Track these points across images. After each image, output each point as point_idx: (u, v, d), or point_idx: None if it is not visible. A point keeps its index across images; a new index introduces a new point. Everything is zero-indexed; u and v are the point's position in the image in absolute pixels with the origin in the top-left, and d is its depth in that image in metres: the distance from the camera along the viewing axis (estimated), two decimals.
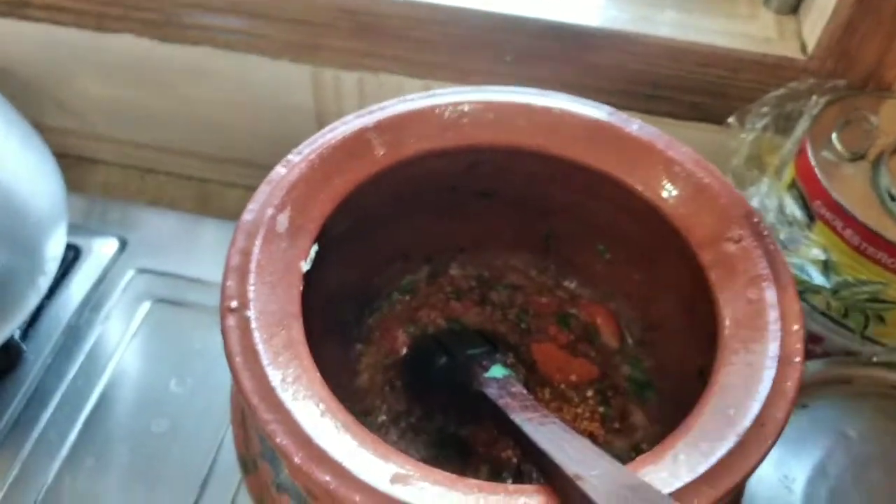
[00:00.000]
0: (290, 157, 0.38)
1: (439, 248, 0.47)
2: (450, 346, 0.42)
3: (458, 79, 0.58)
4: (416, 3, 0.55)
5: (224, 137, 0.66)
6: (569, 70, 0.57)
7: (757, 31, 0.55)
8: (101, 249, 0.58)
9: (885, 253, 0.45)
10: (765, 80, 0.54)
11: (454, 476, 0.30)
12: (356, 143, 0.39)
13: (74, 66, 0.64)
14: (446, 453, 0.42)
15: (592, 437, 0.43)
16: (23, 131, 0.52)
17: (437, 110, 0.41)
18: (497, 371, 0.39)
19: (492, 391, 0.37)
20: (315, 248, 0.37)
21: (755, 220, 0.37)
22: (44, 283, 0.48)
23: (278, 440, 0.30)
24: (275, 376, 0.32)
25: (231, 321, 0.33)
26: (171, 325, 0.55)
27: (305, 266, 0.36)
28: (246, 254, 0.35)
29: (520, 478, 0.41)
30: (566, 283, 0.47)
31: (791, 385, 0.32)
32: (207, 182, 0.69)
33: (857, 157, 0.48)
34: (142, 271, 0.57)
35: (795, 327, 0.34)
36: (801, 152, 0.49)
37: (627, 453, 0.42)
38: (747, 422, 0.31)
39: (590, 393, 0.44)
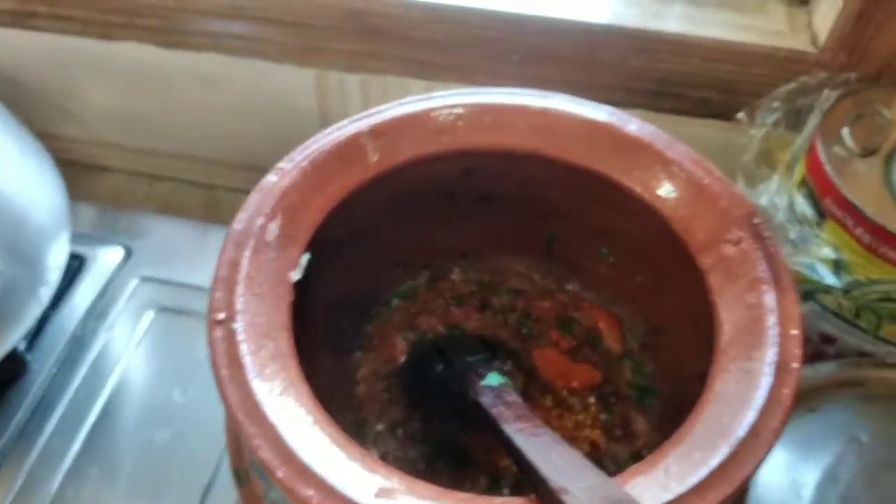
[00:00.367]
0: (281, 164, 0.38)
1: (439, 254, 0.47)
2: (448, 353, 0.42)
3: (463, 79, 0.57)
4: (418, 4, 0.54)
5: (230, 143, 0.66)
6: (575, 68, 0.56)
7: (767, 23, 0.54)
8: (106, 258, 0.58)
9: None
10: (775, 75, 0.53)
11: (441, 489, 0.30)
12: (349, 149, 0.39)
13: (81, 75, 0.64)
14: (445, 462, 0.42)
15: (594, 445, 0.42)
16: (22, 139, 0.52)
17: (432, 114, 0.40)
18: (493, 379, 0.39)
19: (486, 400, 0.37)
20: (307, 257, 0.36)
21: (756, 221, 0.36)
22: (46, 293, 0.48)
23: (262, 454, 0.30)
24: (261, 389, 0.31)
25: (218, 333, 0.33)
26: (175, 334, 0.55)
27: (296, 276, 0.35)
28: (234, 264, 0.34)
29: (519, 488, 0.41)
30: (569, 287, 0.47)
31: (788, 392, 0.31)
32: (215, 188, 0.69)
33: (869, 153, 0.47)
34: (146, 280, 0.57)
35: (794, 332, 0.33)
36: (812, 148, 0.48)
37: (629, 461, 0.41)
38: (741, 431, 0.30)
39: (591, 399, 0.44)
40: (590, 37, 0.54)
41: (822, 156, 0.46)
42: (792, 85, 0.51)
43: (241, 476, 0.37)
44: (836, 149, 0.47)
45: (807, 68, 0.52)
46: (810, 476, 0.42)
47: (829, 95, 0.50)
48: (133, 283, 0.57)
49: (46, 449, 0.50)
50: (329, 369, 0.43)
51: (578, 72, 0.56)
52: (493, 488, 0.41)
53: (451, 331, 0.46)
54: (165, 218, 0.62)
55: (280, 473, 0.29)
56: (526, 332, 0.46)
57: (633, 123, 0.40)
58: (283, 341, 0.33)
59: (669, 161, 0.38)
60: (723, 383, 0.32)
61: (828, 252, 0.46)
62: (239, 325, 0.32)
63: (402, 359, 0.45)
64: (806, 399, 0.45)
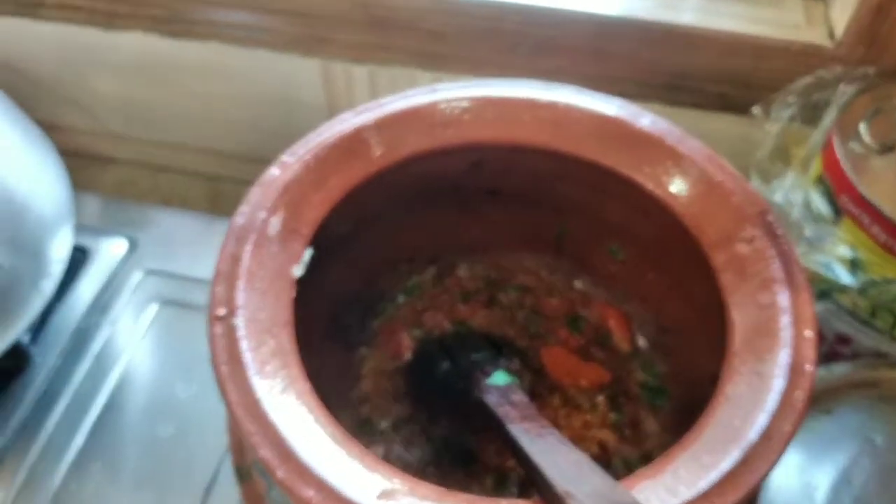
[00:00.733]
0: (284, 157, 0.37)
1: (445, 249, 0.46)
2: (454, 350, 0.41)
3: (472, 71, 0.57)
4: None
5: (236, 134, 0.66)
6: (587, 60, 0.56)
7: (782, 16, 0.53)
8: (110, 250, 0.58)
9: None
10: (791, 69, 0.51)
11: (443, 490, 0.29)
12: (353, 142, 0.38)
13: (86, 65, 0.64)
14: (451, 461, 0.41)
15: (603, 445, 0.41)
16: (25, 130, 0.52)
17: (437, 107, 0.39)
18: (499, 378, 0.38)
19: (492, 399, 0.36)
20: (309, 252, 0.36)
21: (769, 218, 0.35)
22: (48, 286, 0.48)
23: (261, 453, 0.29)
24: (261, 387, 0.31)
25: (218, 329, 0.32)
26: (180, 327, 0.54)
27: (298, 271, 0.35)
28: (235, 259, 0.34)
29: (526, 488, 0.40)
30: (578, 284, 0.46)
31: (801, 395, 0.30)
32: (220, 180, 0.68)
33: (887, 149, 0.46)
34: (151, 272, 0.57)
35: (808, 333, 0.32)
36: (828, 144, 0.47)
37: (638, 462, 0.41)
38: (753, 435, 0.29)
39: (601, 399, 0.43)
40: (602, 29, 0.54)
41: (838, 152, 0.45)
42: (808, 79, 0.50)
43: (243, 474, 0.37)
44: (853, 145, 0.46)
45: (823, 62, 0.51)
46: (824, 478, 0.41)
47: (845, 90, 0.49)
48: (137, 275, 0.57)
49: (50, 443, 0.50)
50: (333, 366, 0.42)
51: (590, 64, 0.56)
52: (499, 488, 0.41)
53: (458, 328, 0.45)
54: (170, 210, 0.62)
55: (280, 473, 0.29)
56: (534, 329, 0.45)
57: (644, 117, 0.39)
58: (285, 338, 0.33)
59: (681, 156, 0.37)
60: (734, 385, 0.31)
61: (844, 250, 0.46)
62: (239, 321, 0.32)
63: (408, 356, 0.44)
64: (820, 400, 0.44)
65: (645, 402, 0.43)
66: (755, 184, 0.49)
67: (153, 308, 0.55)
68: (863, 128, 0.46)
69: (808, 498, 0.41)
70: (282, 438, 0.29)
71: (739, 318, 0.33)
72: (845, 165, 0.45)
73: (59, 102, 0.67)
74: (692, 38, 0.53)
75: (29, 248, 0.47)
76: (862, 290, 0.45)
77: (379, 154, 0.38)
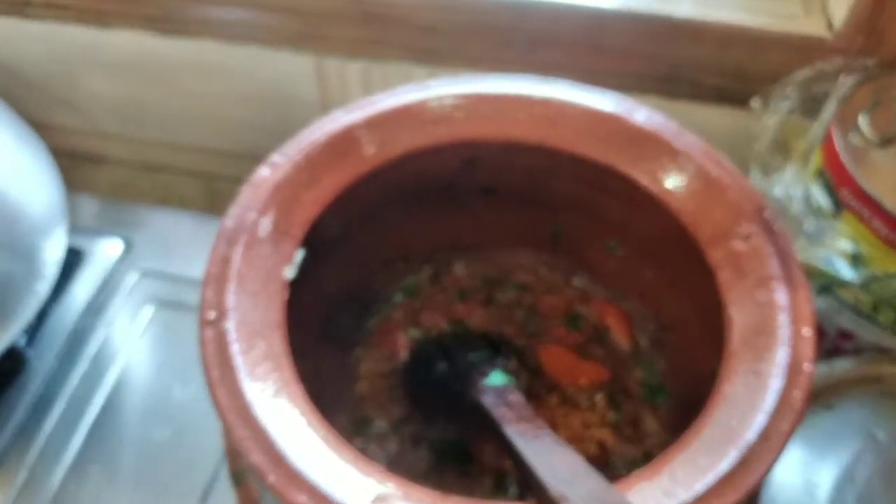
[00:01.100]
0: (274, 157, 0.37)
1: (442, 247, 0.46)
2: (450, 350, 0.41)
3: (466, 66, 0.56)
4: None
5: (231, 132, 0.66)
6: (584, 54, 0.55)
7: (781, 7, 0.52)
8: (105, 251, 0.57)
9: None
10: (790, 60, 0.51)
11: (438, 494, 0.29)
12: (344, 141, 0.38)
13: (79, 64, 0.64)
14: (449, 462, 0.41)
15: (602, 444, 0.41)
16: (17, 131, 0.52)
17: (428, 104, 0.39)
18: (496, 378, 0.37)
19: (488, 400, 0.36)
20: (301, 253, 0.35)
21: (766, 214, 0.35)
22: (43, 288, 0.48)
23: (253, 459, 0.29)
24: (252, 390, 0.30)
25: (209, 333, 0.32)
26: (176, 328, 0.54)
27: (289, 273, 0.34)
28: (226, 261, 0.33)
29: (524, 489, 0.40)
30: (576, 282, 0.46)
31: (800, 395, 0.30)
32: (216, 178, 0.68)
33: (887, 142, 0.45)
34: (146, 273, 0.57)
35: (807, 331, 0.31)
36: (828, 137, 0.46)
37: (638, 461, 0.40)
38: (751, 435, 0.29)
39: (600, 398, 0.43)
40: (598, 22, 0.53)
41: (838, 145, 0.45)
42: (807, 71, 0.50)
43: (238, 478, 0.36)
44: (853, 137, 0.45)
45: (822, 53, 0.50)
46: (826, 475, 0.41)
47: (845, 82, 0.48)
48: (133, 276, 0.56)
49: (47, 445, 0.49)
50: (329, 366, 0.42)
51: (587, 58, 0.55)
52: (498, 489, 0.40)
53: (455, 327, 0.45)
54: (165, 210, 0.61)
55: (271, 478, 0.29)
56: (532, 328, 0.45)
57: (640, 112, 0.38)
58: (277, 340, 0.32)
59: (677, 152, 0.37)
60: (732, 385, 0.31)
61: (844, 245, 0.45)
62: (230, 325, 0.32)
63: (404, 356, 0.44)
64: (822, 396, 0.44)
65: (644, 401, 0.42)
66: (755, 177, 0.49)
67: (149, 309, 0.55)
68: (862, 120, 0.46)
69: (810, 495, 0.41)
70: (273, 443, 0.29)
71: (737, 315, 0.33)
72: (845, 158, 0.44)
73: (52, 102, 0.67)
74: (690, 30, 0.52)
75: (22, 251, 0.47)
76: (864, 285, 0.45)
77: (371, 153, 0.38)
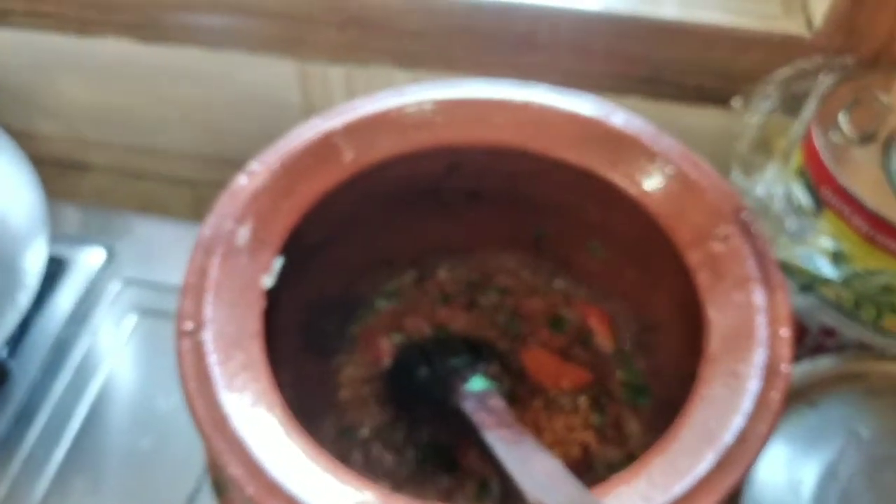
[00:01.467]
0: (252, 165, 0.37)
1: (425, 251, 0.46)
2: (433, 356, 0.41)
3: (449, 69, 0.56)
4: None
5: (214, 137, 0.66)
6: (566, 56, 0.55)
7: (761, 7, 0.52)
8: (87, 260, 0.57)
9: None
10: (770, 59, 0.51)
11: (418, 502, 0.29)
12: (322, 148, 0.37)
13: (59, 72, 0.64)
14: (433, 467, 0.41)
15: (585, 447, 0.41)
16: None
17: (408, 110, 0.39)
18: (477, 383, 0.37)
19: (469, 405, 0.36)
20: (280, 261, 0.35)
21: (744, 216, 0.35)
22: (24, 298, 0.47)
23: (231, 471, 0.29)
24: (230, 402, 0.30)
25: (186, 344, 0.32)
26: (159, 337, 0.54)
27: (268, 282, 0.34)
28: (203, 272, 0.33)
29: (505, 494, 0.40)
30: (559, 284, 0.46)
31: (777, 396, 0.30)
32: (200, 185, 0.68)
33: (867, 140, 0.45)
34: (129, 282, 0.56)
35: (784, 332, 0.31)
36: (808, 135, 0.46)
37: (621, 463, 0.40)
38: (729, 437, 0.29)
39: (582, 400, 0.43)
40: (580, 24, 0.53)
41: (818, 143, 0.45)
42: (787, 70, 0.50)
43: (221, 488, 0.36)
44: (833, 136, 0.45)
45: (802, 52, 0.50)
46: (810, 473, 0.41)
47: (825, 80, 0.48)
48: (116, 285, 0.56)
49: (30, 457, 0.49)
50: (311, 374, 0.42)
51: (570, 60, 0.55)
52: (481, 493, 0.40)
53: (437, 332, 0.45)
54: (148, 217, 0.61)
55: (250, 490, 0.29)
56: (515, 331, 0.45)
57: (618, 116, 0.38)
58: (255, 350, 0.32)
59: (655, 154, 0.37)
60: (710, 387, 0.31)
61: (826, 243, 0.45)
62: (207, 336, 0.32)
63: (388, 361, 0.44)
64: (806, 394, 0.44)
65: (627, 402, 0.42)
66: (737, 176, 0.49)
67: (132, 318, 0.55)
68: (842, 118, 0.46)
69: (794, 493, 0.41)
70: (251, 454, 0.29)
71: (716, 317, 0.33)
72: (825, 156, 0.44)
73: (34, 110, 0.66)
74: (671, 31, 0.52)
75: (3, 261, 0.47)
76: (845, 283, 0.45)
77: (350, 159, 0.38)
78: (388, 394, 0.43)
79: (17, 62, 0.63)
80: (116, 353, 0.54)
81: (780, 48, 0.51)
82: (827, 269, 0.45)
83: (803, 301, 0.47)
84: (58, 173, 0.66)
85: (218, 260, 0.34)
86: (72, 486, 0.48)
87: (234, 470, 0.29)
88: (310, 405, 0.40)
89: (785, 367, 0.30)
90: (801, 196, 0.47)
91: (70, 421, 0.50)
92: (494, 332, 0.45)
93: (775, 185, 0.48)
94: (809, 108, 0.48)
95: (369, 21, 0.55)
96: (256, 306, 0.33)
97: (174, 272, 0.56)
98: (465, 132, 0.39)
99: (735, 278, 0.33)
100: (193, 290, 0.33)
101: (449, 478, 0.41)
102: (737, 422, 0.29)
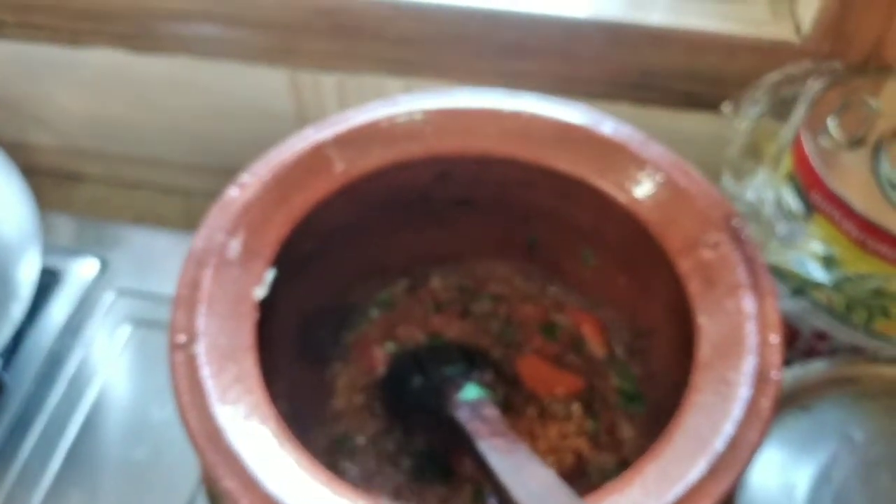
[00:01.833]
0: (243, 177, 0.37)
1: (418, 260, 0.46)
2: (426, 364, 0.41)
3: (439, 76, 0.56)
4: (389, 1, 0.53)
5: (206, 147, 0.66)
6: (556, 63, 0.55)
7: (749, 13, 0.53)
8: (81, 271, 0.57)
9: (886, 245, 0.42)
10: (759, 65, 0.51)
11: None
12: (313, 159, 0.38)
13: (52, 82, 0.64)
14: (428, 475, 0.41)
15: (579, 454, 0.41)
16: None
17: (398, 120, 0.39)
18: (471, 392, 0.38)
19: (462, 414, 0.36)
20: (272, 272, 0.35)
21: (734, 222, 0.35)
22: (18, 310, 0.47)
23: (225, 484, 0.29)
24: (223, 415, 0.31)
25: (179, 357, 0.32)
26: (153, 348, 0.53)
27: (260, 293, 0.34)
28: (195, 284, 0.33)
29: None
30: (551, 291, 0.46)
31: (767, 403, 0.30)
32: (193, 194, 0.68)
33: (856, 144, 0.45)
34: (123, 293, 0.56)
35: (774, 339, 0.32)
36: (797, 140, 0.46)
37: (615, 469, 0.40)
38: (720, 445, 0.29)
39: (576, 407, 0.43)
40: (570, 31, 0.53)
41: (807, 148, 0.45)
42: (776, 75, 0.50)
43: (216, 500, 0.36)
44: (823, 140, 0.45)
45: (791, 57, 0.50)
46: (804, 476, 0.41)
47: (813, 85, 0.49)
48: (109, 296, 0.56)
49: (25, 469, 0.49)
50: (306, 383, 0.42)
51: (559, 66, 0.55)
52: (477, 501, 0.40)
53: (431, 340, 0.45)
54: (141, 227, 0.61)
55: (244, 503, 0.29)
56: (508, 338, 0.45)
57: (607, 124, 0.38)
58: (248, 362, 0.32)
59: (645, 162, 0.37)
60: (702, 394, 0.31)
61: (817, 247, 0.45)
62: (200, 348, 0.32)
63: (382, 370, 0.44)
64: (798, 398, 0.44)
65: (621, 409, 0.43)
66: (727, 182, 0.49)
67: (126, 329, 0.55)
68: (831, 123, 0.46)
69: (788, 496, 0.41)
70: (245, 467, 0.29)
71: (707, 324, 0.33)
72: (815, 161, 0.45)
73: (26, 121, 0.66)
74: (660, 37, 0.52)
75: None
76: (836, 286, 0.45)
77: (341, 170, 0.38)
78: (382, 402, 0.43)
79: (10, 73, 0.63)
80: (110, 364, 0.54)
81: (769, 53, 0.51)
82: (818, 273, 0.45)
83: (795, 305, 0.47)
84: (51, 184, 0.66)
85: (210, 272, 0.34)
86: (67, 497, 0.48)
87: (228, 483, 0.29)
88: (304, 414, 0.40)
89: (775, 374, 0.31)
90: (792, 201, 0.47)
91: (65, 432, 0.50)
92: (488, 339, 0.45)
93: (765, 189, 0.48)
94: (799, 113, 0.48)
95: (360, 29, 0.55)
96: (249, 318, 0.33)
97: (168, 283, 0.56)
98: (456, 142, 0.39)
99: (725, 285, 0.33)
100: (186, 302, 0.33)
101: (444, 486, 0.41)
102: (728, 429, 0.29)
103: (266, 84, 0.60)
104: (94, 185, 0.70)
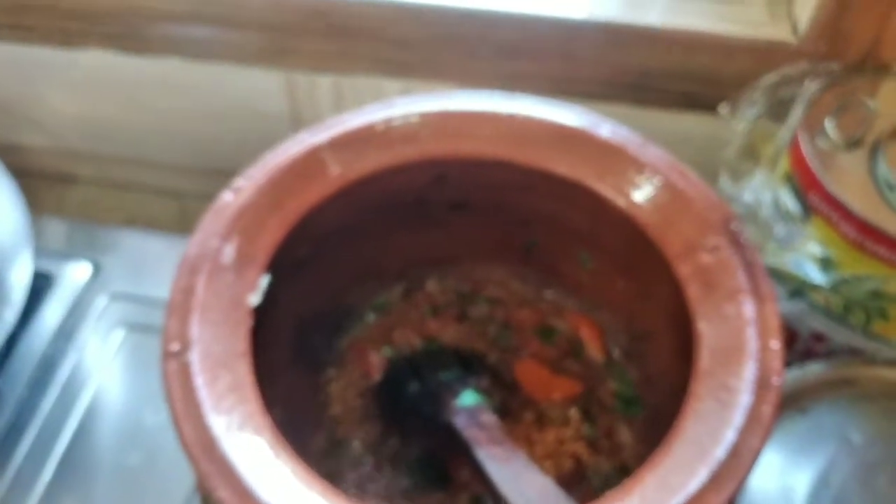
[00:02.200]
0: (237, 182, 0.36)
1: (414, 263, 0.45)
2: (423, 370, 0.41)
3: (436, 77, 0.56)
4: (385, 2, 0.52)
5: (201, 148, 0.65)
6: (553, 64, 0.55)
7: (747, 13, 0.52)
8: (74, 275, 0.56)
9: (884, 247, 0.42)
10: (757, 66, 0.51)
11: None
12: (308, 163, 0.37)
13: (44, 84, 0.63)
14: (425, 481, 0.41)
15: (577, 459, 0.41)
16: None
17: (394, 123, 0.39)
18: (468, 398, 0.37)
19: (460, 421, 0.35)
20: (266, 279, 0.35)
21: (733, 227, 0.35)
22: (10, 314, 0.47)
23: (219, 494, 0.29)
24: (217, 423, 0.30)
25: (172, 366, 0.31)
26: (147, 352, 0.53)
27: (254, 300, 0.34)
28: (188, 291, 0.33)
29: None
30: (549, 294, 0.45)
31: (768, 409, 0.30)
32: (187, 197, 0.67)
33: (853, 145, 0.45)
34: (116, 297, 0.56)
35: (774, 344, 0.31)
36: (795, 141, 0.46)
37: (614, 475, 0.40)
38: (721, 452, 0.29)
39: (574, 412, 0.42)
40: (567, 32, 0.53)
41: (805, 149, 0.45)
42: (773, 76, 0.50)
43: None
44: (820, 141, 0.45)
45: (788, 58, 0.50)
46: (802, 479, 0.41)
47: (811, 86, 0.48)
48: (102, 300, 0.56)
49: (18, 476, 0.48)
50: (301, 389, 0.42)
51: (557, 67, 0.55)
52: None
53: (428, 345, 0.44)
54: (135, 230, 0.61)
55: None
56: (505, 343, 0.45)
57: (604, 127, 0.38)
58: (242, 370, 0.32)
59: (643, 165, 0.37)
60: (702, 401, 0.31)
61: (814, 249, 0.45)
62: (193, 356, 0.31)
63: (378, 375, 0.43)
64: (796, 400, 0.44)
65: (619, 413, 0.42)
66: (725, 183, 0.49)
67: (119, 333, 0.54)
68: (829, 124, 0.46)
69: (786, 500, 0.41)
70: (240, 477, 0.29)
71: (706, 329, 0.33)
72: (812, 162, 0.44)
73: (18, 123, 0.66)
74: (657, 38, 0.52)
75: None
76: (834, 288, 0.45)
77: (337, 173, 0.38)
78: (379, 408, 0.43)
79: (4, 75, 0.63)
80: (104, 368, 0.53)
81: (766, 54, 0.51)
82: (815, 274, 0.45)
83: (793, 307, 0.47)
84: (43, 186, 0.66)
85: (203, 278, 0.33)
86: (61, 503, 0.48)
87: (223, 493, 0.28)
88: (300, 420, 0.39)
89: (776, 380, 0.30)
90: (789, 202, 0.47)
91: (58, 438, 0.50)
92: (485, 343, 0.45)
93: (763, 191, 0.48)
94: (796, 114, 0.48)
95: (354, 30, 0.54)
96: (243, 325, 0.33)
97: (161, 286, 0.55)
98: (452, 144, 0.39)
99: (725, 290, 0.33)
100: (179, 309, 0.32)
101: (442, 492, 0.40)
102: (729, 436, 0.29)
103: (260, 85, 0.60)
104: (87, 186, 0.70)
